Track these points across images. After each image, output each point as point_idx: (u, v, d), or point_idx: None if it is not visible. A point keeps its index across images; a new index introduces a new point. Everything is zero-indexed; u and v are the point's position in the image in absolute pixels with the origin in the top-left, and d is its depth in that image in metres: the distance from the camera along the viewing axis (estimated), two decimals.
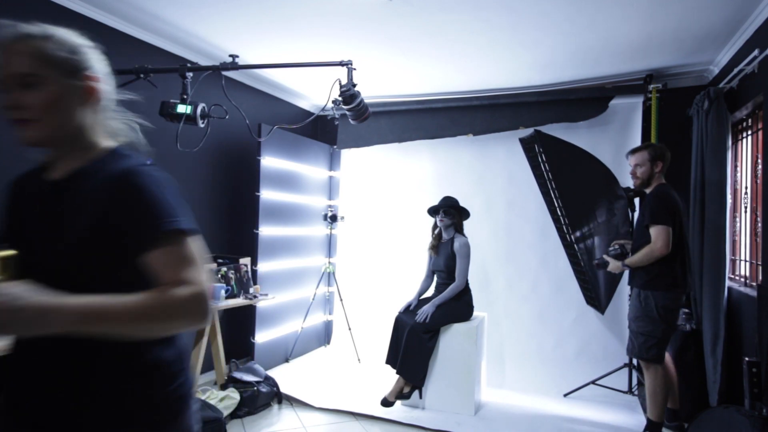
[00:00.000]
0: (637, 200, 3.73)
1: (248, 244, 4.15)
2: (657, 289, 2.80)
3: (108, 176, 1.01)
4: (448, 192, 3.89)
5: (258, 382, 3.40)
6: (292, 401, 3.57)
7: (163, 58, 3.51)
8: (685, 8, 2.83)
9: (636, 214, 3.04)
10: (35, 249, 0.99)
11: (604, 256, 3.10)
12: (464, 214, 3.73)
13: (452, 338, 3.49)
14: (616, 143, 4.07)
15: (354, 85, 2.65)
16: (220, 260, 3.64)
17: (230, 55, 2.80)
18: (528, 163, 4.03)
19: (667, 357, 2.99)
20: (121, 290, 0.91)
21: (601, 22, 3.01)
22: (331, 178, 5.19)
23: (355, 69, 2.69)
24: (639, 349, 2.84)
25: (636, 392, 3.65)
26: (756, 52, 2.82)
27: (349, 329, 4.64)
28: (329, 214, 4.75)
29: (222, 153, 4.09)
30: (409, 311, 3.60)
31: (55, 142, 1.05)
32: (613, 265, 3.04)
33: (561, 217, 3.98)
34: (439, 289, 3.67)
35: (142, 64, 2.76)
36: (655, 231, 2.75)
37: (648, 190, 2.99)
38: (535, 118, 4.12)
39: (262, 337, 4.12)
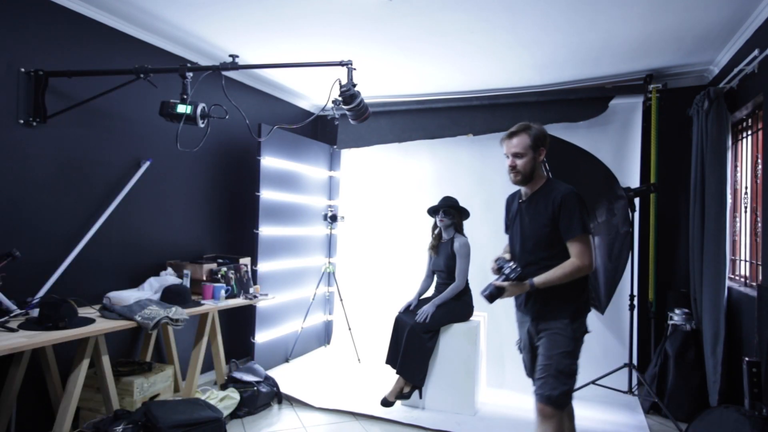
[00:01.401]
0: (637, 200, 3.73)
1: (248, 244, 4.15)
2: (583, 316, 2.26)
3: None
4: (448, 192, 3.89)
5: (258, 382, 3.40)
6: (292, 401, 3.57)
7: (163, 58, 3.51)
8: (685, 8, 2.83)
9: (542, 216, 2.24)
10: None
11: (495, 283, 2.21)
12: (464, 214, 3.73)
13: (452, 338, 3.49)
14: (616, 143, 4.07)
15: (354, 85, 2.64)
16: (220, 260, 3.64)
17: (230, 55, 2.80)
18: None
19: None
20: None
21: (601, 22, 3.01)
22: (331, 178, 5.19)
23: (355, 69, 2.68)
24: (566, 393, 2.14)
25: (636, 392, 3.65)
26: (756, 52, 2.82)
27: (349, 329, 4.64)
28: (329, 214, 4.75)
29: (222, 153, 4.09)
30: (409, 311, 3.60)
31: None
32: (514, 290, 2.21)
33: None
34: (439, 289, 3.67)
35: (142, 64, 2.77)
36: (582, 244, 2.15)
37: (529, 189, 2.31)
38: (535, 118, 4.07)
39: (262, 337, 4.12)
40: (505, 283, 2.20)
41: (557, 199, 2.20)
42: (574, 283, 2.19)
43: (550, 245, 2.23)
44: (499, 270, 2.28)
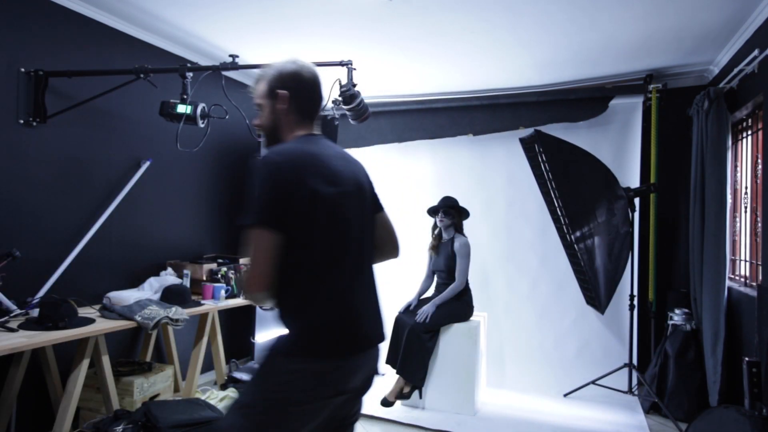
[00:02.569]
0: (637, 200, 3.73)
1: None
2: (289, 353, 1.35)
3: None
4: (448, 192, 3.89)
5: None
6: None
7: (163, 58, 3.51)
8: (685, 8, 2.83)
9: None
10: None
11: None
12: (464, 214, 3.73)
13: (452, 338, 3.48)
14: (616, 143, 4.07)
15: (354, 85, 2.65)
16: (220, 260, 3.64)
17: (230, 55, 2.80)
18: (528, 163, 4.03)
19: None
20: None
21: (601, 22, 3.01)
22: None
23: (355, 69, 2.69)
24: None
25: (636, 392, 3.65)
26: (756, 52, 2.82)
27: None
28: None
29: (222, 153, 4.09)
30: (409, 311, 3.60)
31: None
32: None
33: (561, 217, 3.98)
34: (439, 289, 3.67)
35: (142, 64, 2.77)
36: (250, 242, 1.38)
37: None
38: (535, 118, 4.12)
39: (262, 337, 4.12)
40: None
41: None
42: (290, 291, 1.40)
43: None
44: None
